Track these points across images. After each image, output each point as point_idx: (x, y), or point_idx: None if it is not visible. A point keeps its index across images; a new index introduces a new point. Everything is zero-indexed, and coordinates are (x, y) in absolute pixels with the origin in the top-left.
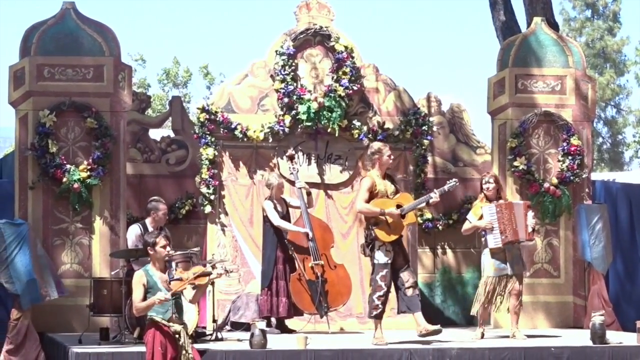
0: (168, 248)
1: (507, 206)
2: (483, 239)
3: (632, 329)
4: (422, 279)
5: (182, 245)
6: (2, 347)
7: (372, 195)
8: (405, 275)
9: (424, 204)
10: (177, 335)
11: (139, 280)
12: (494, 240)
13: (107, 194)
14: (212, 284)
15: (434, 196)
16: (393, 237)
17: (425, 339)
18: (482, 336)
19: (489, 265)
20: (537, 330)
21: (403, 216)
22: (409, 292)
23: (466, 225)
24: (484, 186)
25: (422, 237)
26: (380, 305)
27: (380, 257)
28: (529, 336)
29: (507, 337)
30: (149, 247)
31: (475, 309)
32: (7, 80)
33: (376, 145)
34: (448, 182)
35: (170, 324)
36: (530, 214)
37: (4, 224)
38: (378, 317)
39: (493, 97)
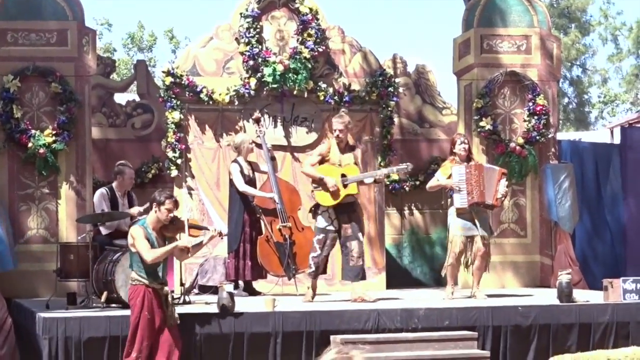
0: (172, 214)
1: (476, 167)
2: (450, 199)
3: (598, 287)
4: (389, 240)
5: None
6: None
7: (323, 160)
8: (351, 245)
9: (370, 180)
10: (166, 297)
11: (141, 234)
12: (460, 201)
13: (72, 159)
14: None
15: (380, 173)
16: (330, 203)
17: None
18: (452, 295)
19: (455, 224)
20: (505, 290)
21: (345, 186)
22: (352, 262)
23: (432, 183)
24: (458, 147)
25: (390, 199)
26: (312, 265)
27: (320, 222)
28: (495, 295)
29: (470, 297)
30: (154, 204)
31: (445, 270)
32: None
33: (346, 118)
34: (401, 164)
35: (161, 286)
36: (504, 181)
37: None
38: (311, 277)
39: (458, 57)
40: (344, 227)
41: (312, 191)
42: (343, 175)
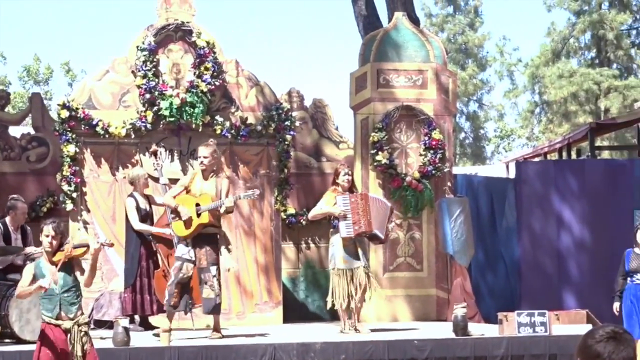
0: (49, 240)
1: (362, 197)
2: (332, 229)
3: (493, 320)
4: (286, 273)
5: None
6: None
7: (187, 191)
8: (205, 277)
9: (223, 209)
10: (67, 333)
11: (29, 270)
12: (346, 230)
13: None
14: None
15: (227, 202)
16: (184, 233)
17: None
18: (355, 330)
19: (339, 257)
20: (400, 324)
21: (199, 215)
22: (205, 293)
23: (316, 211)
24: (342, 178)
25: (286, 232)
26: (166, 294)
27: (178, 250)
28: (391, 329)
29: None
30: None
31: (330, 303)
32: None
33: (212, 147)
34: (248, 190)
35: (59, 321)
36: (392, 218)
37: None
38: (167, 306)
39: (355, 91)
40: (199, 258)
41: (170, 222)
42: (197, 205)
